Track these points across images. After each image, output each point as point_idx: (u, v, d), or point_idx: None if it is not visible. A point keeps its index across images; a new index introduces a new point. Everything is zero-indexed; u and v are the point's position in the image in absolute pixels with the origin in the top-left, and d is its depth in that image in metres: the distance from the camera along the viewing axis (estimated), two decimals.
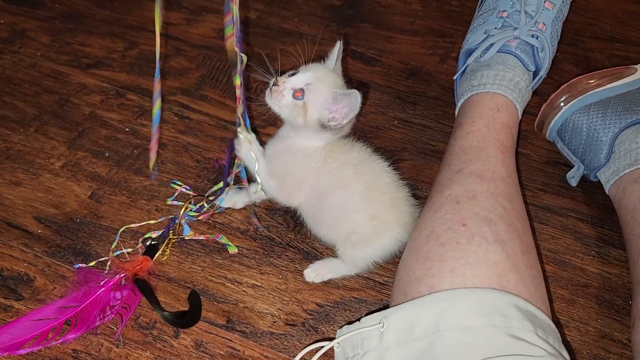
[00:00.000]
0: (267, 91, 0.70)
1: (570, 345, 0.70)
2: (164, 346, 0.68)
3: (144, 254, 0.74)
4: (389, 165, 0.73)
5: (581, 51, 1.05)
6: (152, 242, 0.77)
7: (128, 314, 0.70)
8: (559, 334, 0.57)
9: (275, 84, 0.69)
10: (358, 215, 0.70)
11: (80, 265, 0.75)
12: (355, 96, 0.66)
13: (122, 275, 0.71)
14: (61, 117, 0.93)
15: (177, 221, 0.78)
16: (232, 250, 0.77)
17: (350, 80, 1.01)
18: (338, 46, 0.73)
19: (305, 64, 0.72)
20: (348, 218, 0.70)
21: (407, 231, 0.71)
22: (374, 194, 0.70)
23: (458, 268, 0.58)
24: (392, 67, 1.02)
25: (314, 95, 0.68)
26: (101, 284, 0.70)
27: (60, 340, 0.67)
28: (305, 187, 0.72)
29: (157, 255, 0.76)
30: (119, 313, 0.69)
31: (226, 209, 0.81)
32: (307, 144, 0.71)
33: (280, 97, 0.68)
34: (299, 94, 0.68)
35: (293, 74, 0.70)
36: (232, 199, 0.80)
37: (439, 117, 0.95)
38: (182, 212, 0.79)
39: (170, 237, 0.77)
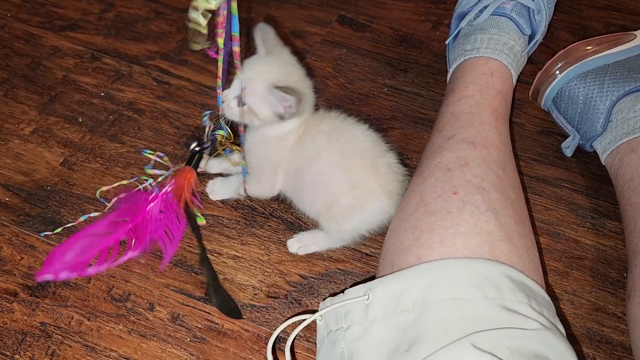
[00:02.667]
0: (222, 108, 0.70)
1: (564, 318, 0.68)
2: (138, 319, 0.65)
3: (187, 163, 0.73)
4: (371, 129, 0.70)
5: (577, 19, 1.02)
6: (196, 149, 0.74)
7: (173, 247, 0.69)
8: (553, 307, 0.55)
9: (222, 101, 0.69)
10: (336, 186, 0.66)
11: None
12: (287, 97, 0.64)
13: (168, 189, 0.70)
14: (32, 81, 0.88)
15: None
16: (201, 221, 0.73)
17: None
18: (260, 32, 0.70)
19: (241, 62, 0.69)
20: (326, 190, 0.66)
21: (394, 200, 0.67)
22: (351, 161, 0.66)
23: (448, 237, 0.55)
24: (383, 34, 0.98)
25: (252, 97, 0.66)
26: (150, 198, 0.69)
27: (123, 259, 0.67)
28: (283, 172, 0.70)
29: (201, 165, 0.75)
30: (162, 239, 0.69)
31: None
32: (279, 129, 0.69)
33: (229, 109, 0.68)
34: (237, 101, 0.67)
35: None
36: (225, 190, 0.76)
37: (431, 85, 0.91)
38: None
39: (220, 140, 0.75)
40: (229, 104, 0.67)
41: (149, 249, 0.68)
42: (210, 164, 0.77)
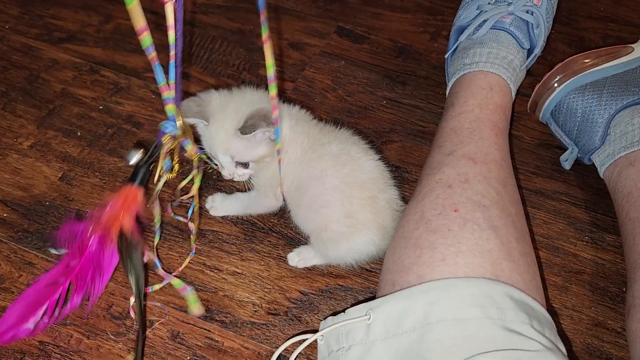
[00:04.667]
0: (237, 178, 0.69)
1: (564, 333, 0.68)
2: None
3: (130, 180, 0.65)
4: (370, 144, 0.70)
5: (575, 31, 1.02)
6: (140, 164, 0.65)
7: (99, 288, 0.64)
8: (554, 326, 0.55)
9: (224, 175, 0.69)
10: (332, 211, 0.65)
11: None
12: (258, 131, 0.63)
13: (101, 232, 0.63)
14: (30, 94, 0.87)
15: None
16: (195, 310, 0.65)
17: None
18: (190, 108, 0.65)
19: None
20: (321, 213, 0.66)
21: (386, 235, 0.66)
22: (352, 190, 0.65)
23: (449, 256, 0.55)
24: (381, 45, 0.98)
25: (244, 155, 0.66)
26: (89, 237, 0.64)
27: (65, 312, 0.64)
28: (288, 181, 0.69)
29: (152, 180, 0.65)
30: (91, 280, 0.64)
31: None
32: (282, 136, 0.67)
33: (243, 177, 0.69)
34: (240, 166, 0.67)
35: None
36: (226, 208, 0.75)
37: (430, 98, 0.91)
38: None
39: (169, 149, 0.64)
40: (240, 175, 0.68)
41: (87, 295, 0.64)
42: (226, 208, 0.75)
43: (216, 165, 0.71)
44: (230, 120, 0.64)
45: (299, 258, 0.71)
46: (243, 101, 0.66)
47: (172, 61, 0.57)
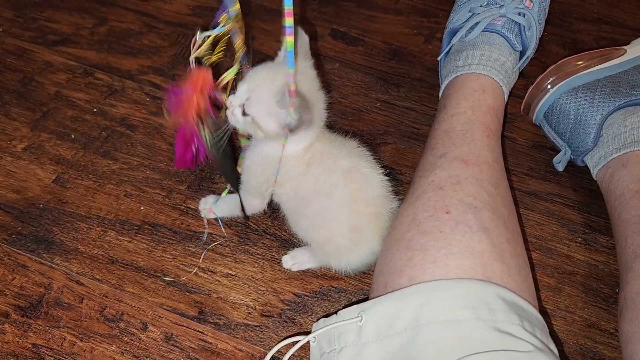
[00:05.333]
0: (226, 112, 0.65)
1: (556, 335, 0.68)
2: (131, 339, 0.65)
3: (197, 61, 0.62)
4: (364, 145, 0.69)
5: (568, 33, 1.02)
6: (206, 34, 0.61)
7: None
8: (546, 327, 0.55)
9: (226, 107, 0.64)
10: (338, 225, 0.65)
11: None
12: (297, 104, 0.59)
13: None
14: (24, 97, 0.87)
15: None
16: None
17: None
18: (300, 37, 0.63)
19: (249, 66, 0.65)
20: (327, 226, 0.65)
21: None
22: (359, 205, 0.64)
23: (441, 258, 0.55)
24: (375, 48, 0.99)
25: (256, 108, 0.61)
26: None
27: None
28: (286, 190, 0.66)
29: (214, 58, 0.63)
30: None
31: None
32: (287, 150, 0.64)
33: (233, 117, 0.63)
34: (244, 114, 0.62)
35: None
36: (220, 209, 0.74)
37: (423, 100, 0.92)
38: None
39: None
40: (233, 111, 0.63)
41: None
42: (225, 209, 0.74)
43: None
44: (282, 78, 0.60)
45: (293, 262, 0.71)
46: (303, 77, 0.63)
47: None
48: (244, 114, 0.62)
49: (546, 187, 0.82)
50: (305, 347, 0.63)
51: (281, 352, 0.61)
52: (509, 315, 0.51)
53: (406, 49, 0.99)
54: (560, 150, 0.82)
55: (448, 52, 0.84)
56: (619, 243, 0.70)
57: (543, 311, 0.70)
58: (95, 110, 0.87)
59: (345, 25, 1.01)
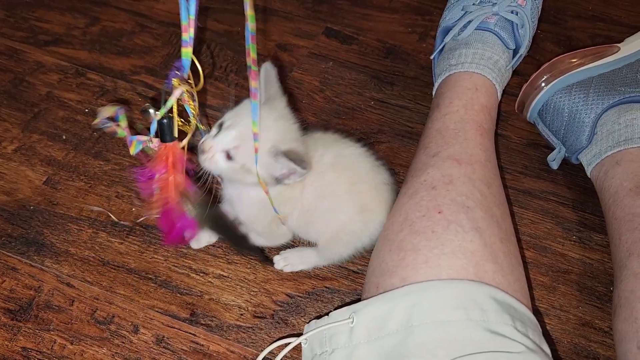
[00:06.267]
0: (200, 156, 0.59)
1: (550, 334, 0.68)
2: (123, 342, 0.64)
3: (160, 139, 0.59)
4: (363, 146, 0.69)
5: (563, 30, 1.02)
6: (163, 119, 0.58)
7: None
8: (539, 327, 0.55)
9: (202, 150, 0.58)
10: (347, 214, 0.65)
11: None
12: (293, 167, 0.57)
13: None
14: (15, 98, 0.87)
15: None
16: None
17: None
18: (264, 74, 0.60)
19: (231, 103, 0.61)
20: (337, 220, 0.65)
21: (389, 209, 0.67)
22: (358, 186, 0.65)
23: (433, 258, 0.54)
24: (369, 46, 0.98)
25: (247, 155, 0.57)
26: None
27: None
28: (293, 215, 0.65)
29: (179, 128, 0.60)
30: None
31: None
32: (278, 189, 0.61)
33: (213, 163, 0.58)
34: (227, 157, 0.58)
35: (220, 128, 0.59)
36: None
37: (418, 98, 0.91)
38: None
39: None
40: (213, 157, 0.58)
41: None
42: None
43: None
44: (276, 129, 0.58)
45: (285, 263, 0.71)
46: (289, 123, 0.61)
47: None
48: (228, 158, 0.58)
49: (540, 185, 0.81)
50: (298, 349, 0.62)
51: (273, 354, 0.60)
52: (501, 315, 0.51)
53: (400, 47, 0.98)
54: (555, 148, 0.82)
55: (441, 50, 0.83)
56: (613, 241, 0.70)
57: (537, 310, 0.69)
58: (87, 110, 0.86)
59: (339, 24, 1.01)
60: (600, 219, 0.77)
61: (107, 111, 0.62)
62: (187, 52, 0.56)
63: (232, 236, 0.68)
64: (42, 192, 0.76)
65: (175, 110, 0.58)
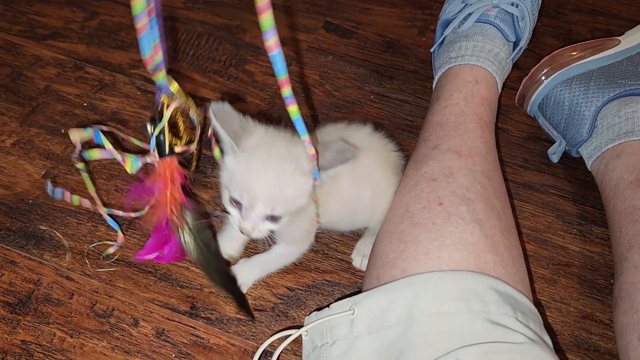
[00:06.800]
0: (246, 234, 0.56)
1: (551, 326, 0.68)
2: (122, 335, 0.64)
3: (159, 154, 0.58)
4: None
5: (563, 24, 1.02)
6: (160, 135, 0.58)
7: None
8: (540, 318, 0.54)
9: (247, 233, 0.55)
10: (366, 199, 0.65)
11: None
12: (347, 155, 0.53)
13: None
14: (13, 92, 0.86)
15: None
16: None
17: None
18: (218, 116, 0.54)
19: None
20: (360, 207, 0.65)
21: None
22: (384, 166, 0.67)
23: (433, 250, 0.54)
24: (369, 40, 0.98)
25: (287, 203, 0.54)
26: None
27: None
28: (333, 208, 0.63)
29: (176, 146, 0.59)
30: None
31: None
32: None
33: (264, 232, 0.55)
34: (269, 219, 0.55)
35: (237, 205, 0.55)
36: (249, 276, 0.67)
37: (417, 92, 0.91)
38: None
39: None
40: (259, 229, 0.55)
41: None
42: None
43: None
44: (291, 163, 0.53)
45: (360, 258, 0.69)
46: (295, 142, 0.55)
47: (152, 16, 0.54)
48: (274, 219, 0.55)
49: (541, 178, 0.81)
50: (298, 341, 0.62)
51: (273, 347, 0.60)
52: (502, 306, 0.50)
53: (400, 41, 0.98)
54: (555, 142, 0.82)
55: (441, 43, 0.83)
56: (613, 234, 0.70)
57: (538, 303, 0.69)
58: (85, 104, 0.86)
59: (338, 18, 1.01)
60: (601, 212, 0.77)
61: (78, 136, 0.61)
62: (159, 75, 0.55)
63: (219, 278, 0.64)
64: (41, 185, 0.76)
65: (166, 125, 0.58)
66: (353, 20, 1.00)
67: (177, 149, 0.60)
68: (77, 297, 0.67)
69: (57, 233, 0.71)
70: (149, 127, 0.59)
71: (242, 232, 0.55)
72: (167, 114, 0.57)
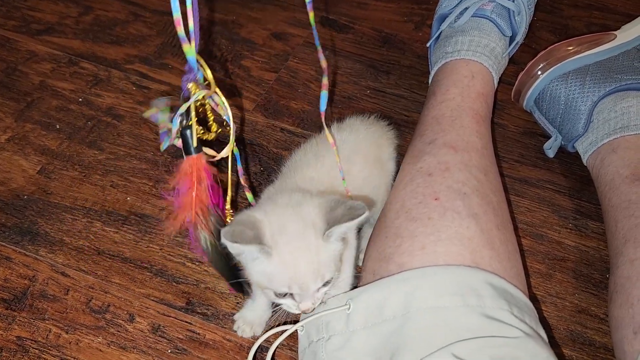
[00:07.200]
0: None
1: (547, 321, 0.68)
2: (118, 331, 0.64)
3: (185, 151, 0.54)
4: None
5: (559, 19, 1.02)
6: (185, 130, 0.53)
7: None
8: (535, 312, 0.55)
9: (303, 311, 0.52)
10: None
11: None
12: (360, 218, 0.50)
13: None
14: (8, 87, 0.86)
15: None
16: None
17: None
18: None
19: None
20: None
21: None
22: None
23: (429, 245, 0.54)
24: (365, 35, 0.98)
25: (329, 265, 0.51)
26: None
27: None
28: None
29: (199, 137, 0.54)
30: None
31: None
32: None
33: (318, 301, 0.53)
34: (322, 285, 0.52)
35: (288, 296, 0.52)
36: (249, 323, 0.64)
37: (414, 87, 0.91)
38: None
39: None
40: (318, 301, 0.52)
41: None
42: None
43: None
44: (307, 230, 0.51)
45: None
46: (297, 207, 0.53)
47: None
48: (326, 282, 0.52)
49: (537, 173, 0.81)
50: (294, 336, 0.62)
51: (269, 342, 0.60)
52: (498, 301, 0.51)
53: (396, 36, 0.98)
54: (551, 137, 0.82)
55: (438, 38, 0.83)
56: (609, 228, 0.70)
57: (534, 297, 0.69)
58: (80, 100, 0.85)
59: (335, 13, 1.00)
60: (596, 206, 0.77)
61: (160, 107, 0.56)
62: (187, 49, 0.50)
63: (227, 274, 0.62)
64: (36, 181, 0.76)
65: (193, 118, 0.54)
66: (349, 15, 1.00)
67: (208, 151, 0.56)
68: (73, 293, 0.66)
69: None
70: (176, 121, 0.54)
71: (305, 312, 0.53)
72: (190, 102, 0.51)
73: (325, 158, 0.61)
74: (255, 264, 0.51)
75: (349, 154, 0.62)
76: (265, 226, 0.51)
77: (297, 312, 0.53)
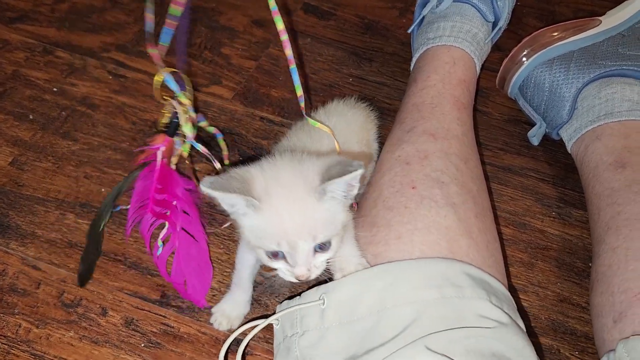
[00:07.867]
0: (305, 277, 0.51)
1: (528, 310, 0.67)
2: (90, 325, 0.62)
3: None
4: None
5: (546, 5, 1.00)
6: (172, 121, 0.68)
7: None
8: (514, 302, 0.54)
9: (305, 279, 0.50)
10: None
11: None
12: (355, 173, 0.48)
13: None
14: None
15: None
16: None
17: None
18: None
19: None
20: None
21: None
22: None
23: (405, 234, 0.53)
24: (348, 22, 0.96)
25: (328, 230, 0.49)
26: None
27: None
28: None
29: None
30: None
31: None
32: None
33: (321, 269, 0.51)
34: (319, 251, 0.50)
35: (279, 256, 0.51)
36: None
37: (396, 74, 0.89)
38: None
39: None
40: (315, 269, 0.50)
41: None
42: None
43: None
44: (302, 185, 0.49)
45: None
46: (296, 164, 0.51)
47: None
48: (324, 248, 0.50)
49: (520, 161, 0.80)
50: (271, 329, 0.61)
51: (245, 334, 0.59)
52: (476, 290, 0.49)
53: (379, 22, 0.96)
54: (535, 124, 0.81)
55: (420, 23, 0.81)
56: (592, 216, 0.69)
57: (516, 286, 0.69)
58: (55, 89, 0.83)
59: None
60: (580, 194, 0.76)
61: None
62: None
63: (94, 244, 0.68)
64: (7, 173, 0.74)
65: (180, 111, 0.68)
66: (332, 1, 0.98)
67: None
68: (44, 286, 0.65)
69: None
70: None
71: (300, 280, 0.50)
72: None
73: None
74: (245, 220, 0.50)
75: (344, 140, 0.63)
76: (257, 181, 0.50)
77: (293, 279, 0.51)
